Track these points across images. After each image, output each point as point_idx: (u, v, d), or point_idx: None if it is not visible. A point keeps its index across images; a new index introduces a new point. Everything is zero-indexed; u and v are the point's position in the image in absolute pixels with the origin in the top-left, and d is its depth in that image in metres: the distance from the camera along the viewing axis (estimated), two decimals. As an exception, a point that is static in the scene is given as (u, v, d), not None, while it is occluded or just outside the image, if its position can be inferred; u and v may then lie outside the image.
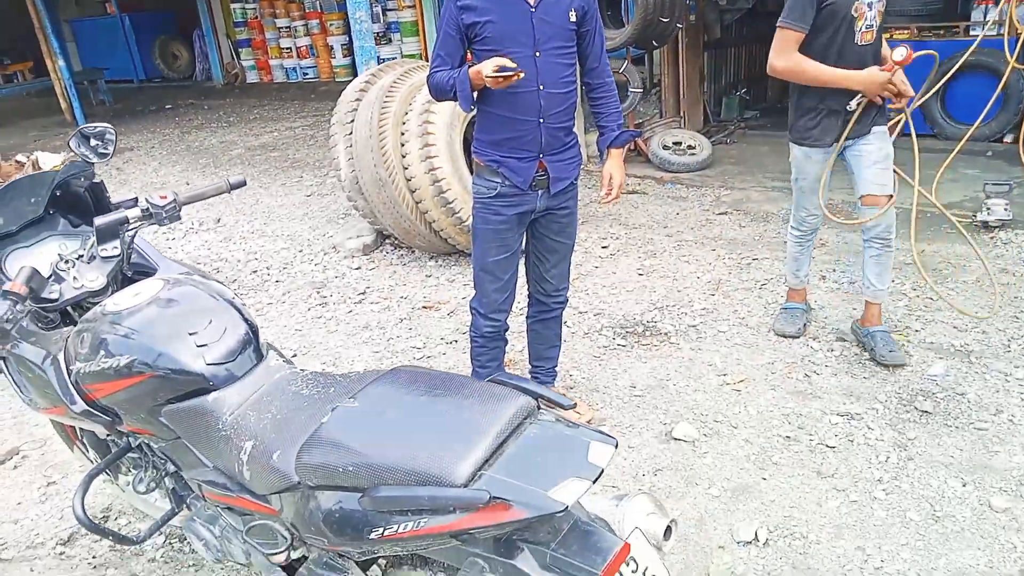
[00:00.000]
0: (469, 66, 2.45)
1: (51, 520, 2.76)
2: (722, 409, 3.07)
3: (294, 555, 1.54)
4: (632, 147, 6.56)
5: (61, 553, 2.59)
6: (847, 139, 3.08)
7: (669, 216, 5.33)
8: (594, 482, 1.17)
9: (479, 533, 1.22)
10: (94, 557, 2.56)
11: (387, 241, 5.15)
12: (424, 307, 4.22)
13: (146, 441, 1.98)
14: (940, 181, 3.84)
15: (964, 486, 2.52)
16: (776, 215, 5.15)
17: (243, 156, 7.84)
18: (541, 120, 2.53)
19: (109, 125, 2.19)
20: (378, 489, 1.24)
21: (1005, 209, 4.47)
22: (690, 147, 6.46)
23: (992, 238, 4.39)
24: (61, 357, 1.84)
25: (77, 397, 1.79)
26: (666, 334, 3.70)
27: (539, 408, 1.36)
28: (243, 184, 2.21)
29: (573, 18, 2.53)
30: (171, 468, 2.06)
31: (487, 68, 2.33)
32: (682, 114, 7.17)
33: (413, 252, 4.95)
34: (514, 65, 2.33)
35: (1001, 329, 3.41)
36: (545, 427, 1.31)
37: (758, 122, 7.67)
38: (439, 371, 1.53)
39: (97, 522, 2.07)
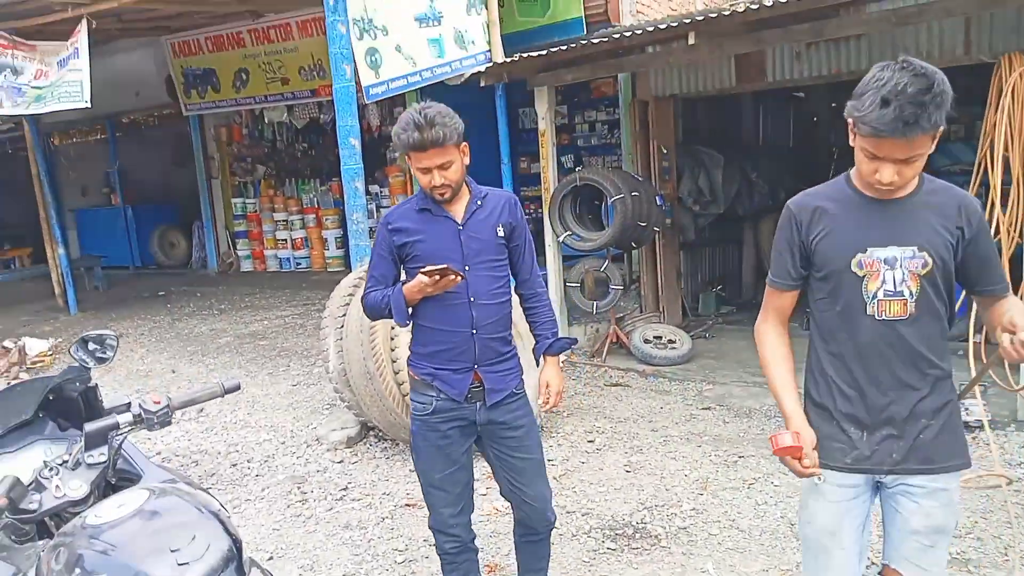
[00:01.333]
0: (403, 283, 2.56)
1: None
2: (717, 622, 2.94)
3: None
4: (615, 340, 6.72)
5: None
6: (888, 470, 1.94)
7: (653, 410, 5.37)
8: None
9: None
10: None
11: (371, 433, 5.12)
12: (407, 504, 4.12)
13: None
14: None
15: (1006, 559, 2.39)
16: (759, 411, 5.20)
17: (232, 344, 7.92)
18: (474, 331, 2.59)
19: (111, 331, 2.26)
20: None
21: (984, 408, 4.55)
22: (671, 341, 6.63)
23: (974, 438, 4.43)
24: (32, 574, 1.77)
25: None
26: (656, 537, 3.61)
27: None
28: (238, 388, 2.24)
29: (501, 233, 2.64)
30: None
31: (421, 275, 2.41)
32: (661, 309, 7.42)
33: (397, 445, 4.90)
34: (445, 266, 2.39)
35: (996, 536, 3.37)
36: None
37: (735, 317, 7.93)
38: None
39: None
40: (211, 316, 9.39)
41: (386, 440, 4.99)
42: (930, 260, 1.88)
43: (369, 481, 4.47)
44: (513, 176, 8.04)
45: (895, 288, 1.89)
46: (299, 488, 4.43)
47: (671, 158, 7.48)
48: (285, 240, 13.03)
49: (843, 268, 1.92)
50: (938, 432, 1.91)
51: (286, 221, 12.98)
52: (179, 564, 1.63)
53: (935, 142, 1.81)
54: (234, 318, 9.15)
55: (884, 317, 1.90)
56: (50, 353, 7.69)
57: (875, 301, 1.91)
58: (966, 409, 4.58)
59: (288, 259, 13.04)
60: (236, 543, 1.76)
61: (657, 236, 7.09)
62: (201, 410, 5.86)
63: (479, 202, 2.64)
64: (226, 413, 5.81)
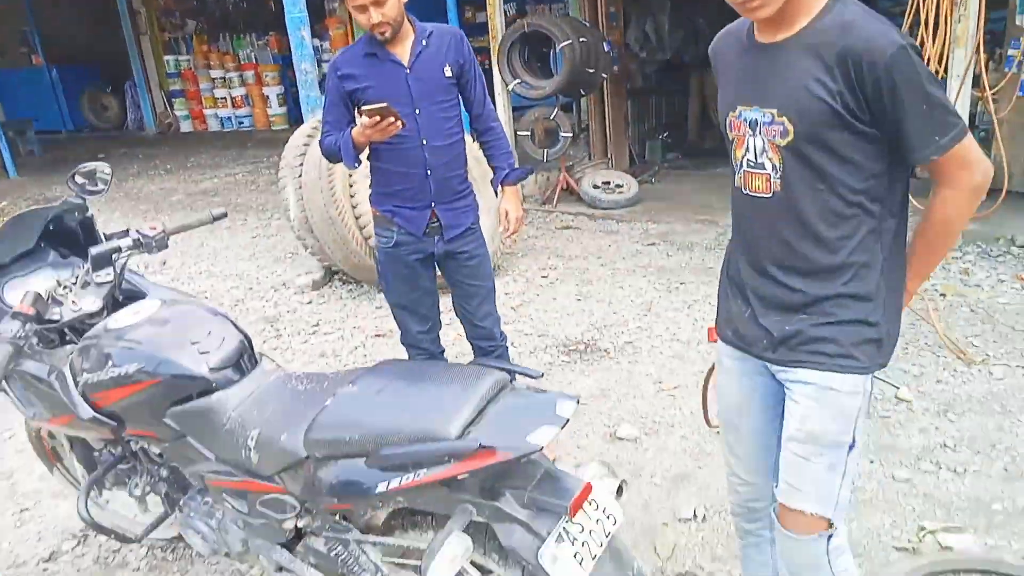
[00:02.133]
0: (352, 127, 2.66)
1: (30, 542, 2.86)
2: (659, 412, 3.39)
3: (300, 523, 1.75)
4: (565, 186, 6.97)
5: (45, 569, 2.69)
6: (764, 356, 1.66)
7: (602, 248, 5.72)
8: (562, 428, 1.44)
9: (468, 479, 1.48)
10: (78, 571, 2.68)
11: (336, 277, 5.37)
12: (376, 335, 4.45)
13: (144, 446, 2.16)
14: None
15: (871, 463, 2.89)
16: (700, 244, 5.59)
17: (184, 202, 7.94)
18: (428, 172, 2.74)
19: (104, 163, 2.39)
20: (382, 450, 1.49)
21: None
22: (618, 186, 6.92)
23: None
24: (67, 370, 2.02)
25: (85, 405, 1.98)
26: (605, 350, 4.02)
27: (512, 381, 1.64)
28: (224, 216, 2.44)
29: (448, 73, 2.73)
30: (163, 473, 2.24)
31: (364, 119, 2.49)
32: (609, 156, 7.66)
33: (362, 286, 5.17)
34: (384, 104, 2.42)
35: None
36: (518, 393, 1.59)
37: (680, 163, 8.22)
38: (420, 361, 1.79)
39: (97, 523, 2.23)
40: (158, 176, 9.30)
41: (351, 282, 5.25)
42: (790, 127, 1.47)
43: (339, 318, 4.77)
44: (460, 26, 7.94)
45: (755, 159, 1.55)
46: (272, 326, 4.71)
47: (618, 4, 7.47)
48: (225, 99, 12.67)
49: (723, 128, 1.64)
50: (823, 324, 1.55)
51: (224, 79, 12.57)
52: (200, 353, 1.89)
53: None
54: (182, 177, 9.08)
55: (748, 192, 1.59)
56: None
57: (741, 172, 1.59)
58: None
59: (229, 118, 12.73)
60: (246, 337, 2.03)
61: (605, 83, 7.21)
62: (164, 263, 6.00)
63: (424, 42, 2.70)
64: (189, 264, 5.97)
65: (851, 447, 1.62)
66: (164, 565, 2.68)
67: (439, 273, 3.01)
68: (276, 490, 1.74)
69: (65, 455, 2.71)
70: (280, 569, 1.98)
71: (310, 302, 5.06)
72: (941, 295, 4.29)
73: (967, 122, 1.72)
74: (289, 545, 1.96)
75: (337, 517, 1.74)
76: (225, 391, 1.85)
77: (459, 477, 1.49)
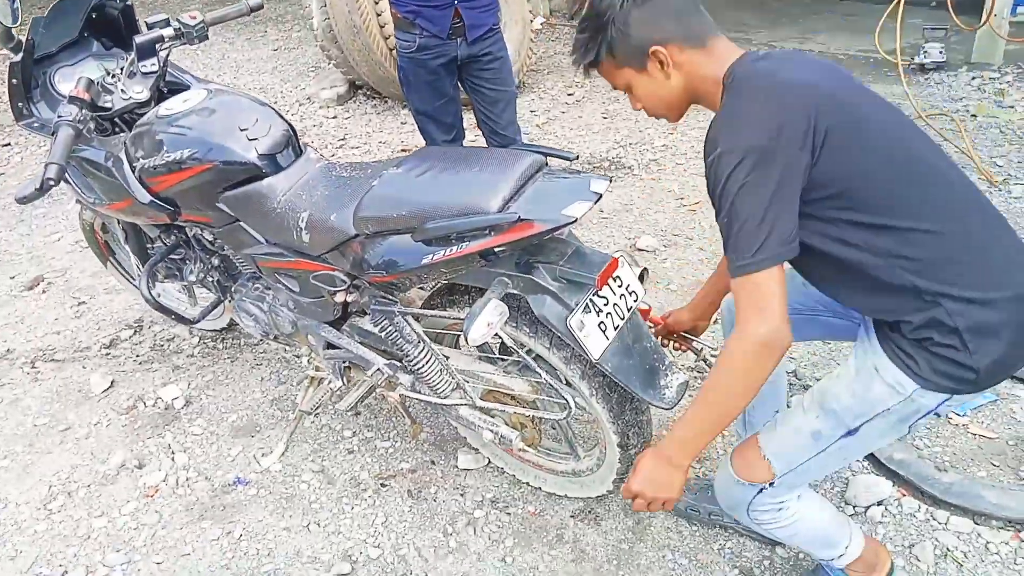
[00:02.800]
0: None
1: (89, 331, 3.10)
2: (679, 226, 3.50)
3: (349, 298, 1.92)
4: None
5: (107, 354, 2.95)
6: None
7: (629, 66, 5.59)
8: (595, 203, 1.55)
9: (505, 254, 1.61)
10: (138, 355, 2.93)
11: (360, 91, 5.34)
12: (403, 150, 4.50)
13: (198, 232, 2.31)
14: (883, 29, 4.18)
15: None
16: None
17: (202, 9, 7.72)
18: None
19: None
20: (427, 224, 1.61)
21: (940, 52, 4.86)
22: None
23: (927, 79, 4.80)
24: (122, 156, 2.12)
25: (143, 190, 2.10)
26: (629, 167, 4.08)
27: (547, 163, 1.73)
28: (261, 7, 2.44)
29: None
30: (215, 262, 2.40)
31: None
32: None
33: (387, 101, 5.16)
34: None
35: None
36: (554, 173, 1.68)
37: None
38: (460, 146, 1.86)
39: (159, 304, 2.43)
40: (171, -13, 8.98)
41: (376, 97, 5.23)
42: None
43: (365, 132, 4.81)
44: None
45: None
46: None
47: None
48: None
49: None
50: (923, 326, 1.42)
51: None
52: (249, 140, 1.98)
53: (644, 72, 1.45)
54: (196, -11, 8.77)
55: None
56: None
57: None
58: (924, 52, 4.89)
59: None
60: (291, 127, 2.10)
61: None
62: (187, 77, 5.95)
63: None
64: (211, 77, 5.93)
65: (850, 433, 1.50)
66: (215, 352, 2.92)
67: (461, 89, 3.04)
68: (327, 268, 1.88)
69: (119, 248, 2.88)
70: (328, 347, 2.18)
71: (335, 117, 5.08)
72: (972, 116, 4.24)
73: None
74: (335, 324, 2.15)
75: (382, 294, 1.90)
76: (274, 177, 1.95)
77: (497, 250, 1.61)
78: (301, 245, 1.90)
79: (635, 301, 1.78)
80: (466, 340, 1.57)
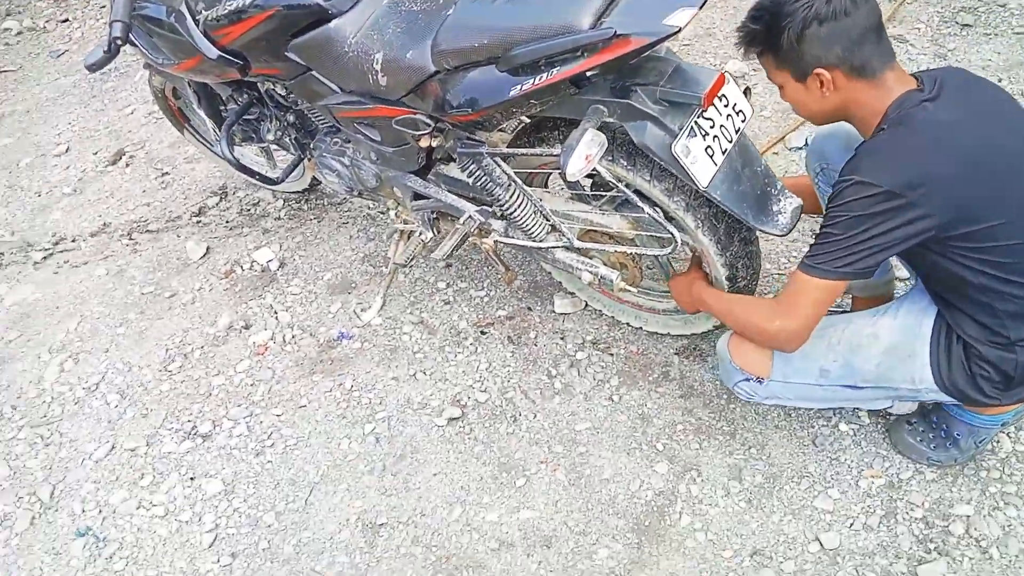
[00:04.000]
0: None
1: (177, 201, 3.14)
2: (771, 43, 3.22)
3: (434, 142, 1.84)
4: None
5: (198, 222, 2.99)
6: None
7: None
8: (700, 8, 1.39)
9: (600, 75, 1.48)
10: (227, 221, 2.96)
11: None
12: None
13: (271, 87, 2.23)
14: None
15: (1000, 81, 2.73)
16: None
17: None
18: None
19: None
20: (512, 51, 1.49)
21: None
22: None
23: None
24: (184, 9, 2.02)
25: (209, 45, 2.01)
26: (711, -15, 3.74)
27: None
28: None
29: None
30: (291, 119, 2.33)
31: None
32: None
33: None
34: None
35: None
36: (651, -18, 1.52)
37: None
38: None
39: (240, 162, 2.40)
40: None
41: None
42: None
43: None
44: None
45: None
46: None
47: None
48: None
49: None
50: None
51: None
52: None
53: (809, 88, 1.50)
54: None
55: None
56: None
57: None
58: None
59: None
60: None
61: None
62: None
63: None
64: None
65: (852, 388, 1.66)
66: (301, 213, 2.92)
67: None
68: (407, 112, 1.79)
69: (192, 115, 2.84)
70: (416, 197, 2.13)
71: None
72: None
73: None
74: (420, 173, 2.08)
75: (467, 135, 1.80)
76: (341, 18, 1.83)
77: (589, 75, 1.49)
78: (378, 89, 1.81)
79: (743, 121, 1.64)
80: (563, 176, 1.49)
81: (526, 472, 1.96)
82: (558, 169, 1.93)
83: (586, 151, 1.49)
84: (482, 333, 2.33)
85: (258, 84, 2.25)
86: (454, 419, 2.10)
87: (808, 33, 1.40)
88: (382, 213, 2.84)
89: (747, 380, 1.71)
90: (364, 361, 2.30)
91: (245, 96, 2.35)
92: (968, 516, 1.70)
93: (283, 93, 2.23)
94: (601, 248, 1.87)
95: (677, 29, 1.35)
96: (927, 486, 1.78)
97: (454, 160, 1.93)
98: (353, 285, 2.57)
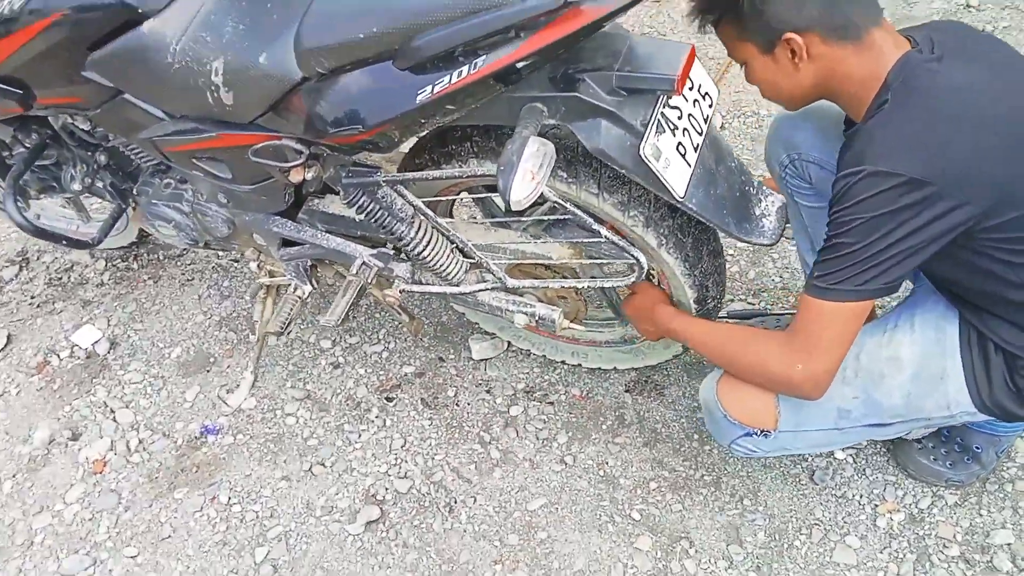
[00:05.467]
0: None
1: (-39, 277, 2.45)
2: (649, 25, 2.96)
3: (308, 175, 1.37)
4: None
5: (-9, 301, 2.33)
6: None
7: None
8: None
9: (539, 63, 1.09)
10: (32, 297, 2.31)
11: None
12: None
13: (68, 122, 1.68)
14: None
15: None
16: None
17: None
18: None
19: None
20: (416, 40, 1.07)
21: None
22: None
23: None
24: None
25: (-35, 72, 1.45)
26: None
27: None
28: None
29: None
30: (102, 160, 1.79)
31: None
32: None
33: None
34: None
35: None
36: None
37: None
38: None
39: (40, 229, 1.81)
40: None
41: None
42: None
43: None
44: None
45: None
46: None
47: None
48: None
49: None
50: None
51: None
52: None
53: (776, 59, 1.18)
54: None
55: None
56: None
57: None
58: None
59: None
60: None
61: None
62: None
63: None
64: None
65: (878, 426, 1.35)
66: (129, 275, 2.33)
67: None
68: (268, 138, 1.32)
69: (-35, 167, 2.20)
70: (285, 244, 1.65)
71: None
72: None
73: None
74: (287, 214, 1.61)
75: (355, 161, 1.35)
76: (156, 18, 1.32)
77: (520, 66, 1.09)
78: (221, 111, 1.32)
79: (711, 107, 1.30)
80: (507, 203, 1.08)
81: (479, 578, 1.54)
82: (483, 194, 1.54)
83: (530, 166, 1.09)
84: (388, 400, 1.87)
85: (50, 119, 1.69)
86: (372, 522, 1.64)
87: None
88: (236, 261, 2.31)
89: (749, 435, 1.37)
90: (241, 460, 1.79)
91: (34, 136, 1.77)
92: (1010, 544, 1.45)
93: (86, 127, 1.68)
94: (542, 285, 1.48)
95: (651, -13, 0.97)
96: (953, 513, 1.52)
97: (333, 192, 1.47)
98: (211, 360, 2.03)
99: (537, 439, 1.75)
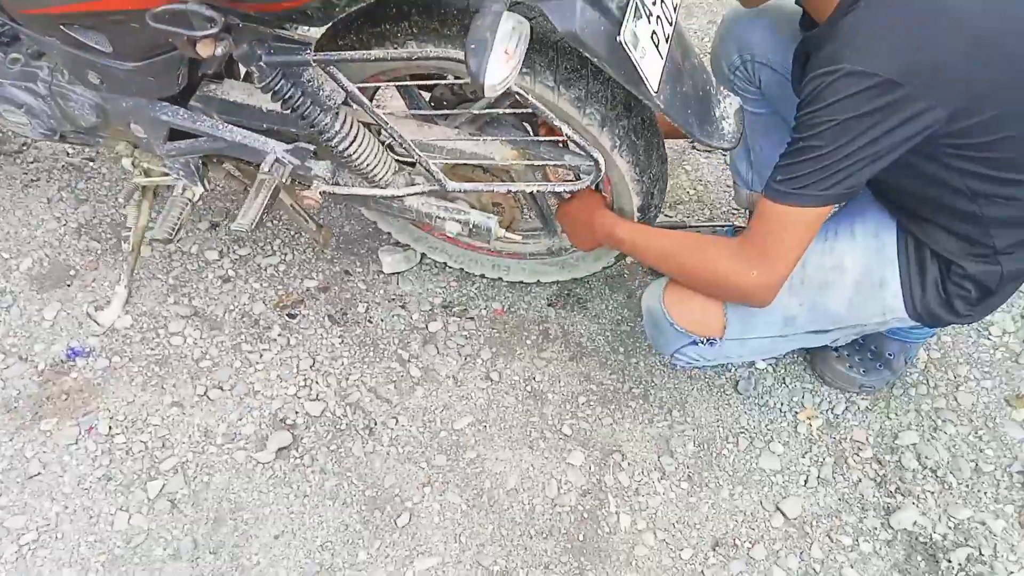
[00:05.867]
0: None
1: None
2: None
3: (219, 49, 1.14)
4: None
5: None
6: None
7: None
8: None
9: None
10: None
11: None
12: None
13: None
14: None
15: None
16: None
17: None
18: None
19: None
20: None
21: None
22: None
23: None
24: None
25: None
26: None
27: None
28: None
29: None
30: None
31: None
32: None
33: None
34: None
35: None
36: None
37: None
38: None
39: None
40: None
41: None
42: None
43: None
44: None
45: None
46: None
47: None
48: None
49: None
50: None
51: None
52: None
53: None
54: None
55: None
56: None
57: None
58: None
59: None
60: None
61: None
62: None
63: None
64: None
65: (819, 332, 1.35)
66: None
67: None
68: (163, 1, 1.08)
69: None
70: (172, 138, 1.41)
71: None
72: None
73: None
74: (179, 100, 1.37)
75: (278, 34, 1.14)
76: None
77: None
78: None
79: (679, -3, 1.20)
80: (480, 88, 0.94)
81: (406, 503, 1.44)
82: (409, 84, 1.37)
83: (505, 45, 0.95)
84: (290, 316, 1.70)
85: None
86: (284, 448, 1.49)
87: None
88: (91, 160, 2.00)
89: (694, 344, 1.34)
90: (120, 386, 1.57)
91: None
92: (915, 444, 1.54)
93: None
94: (487, 189, 1.35)
95: None
96: (865, 417, 1.58)
97: (256, 73, 1.23)
98: (72, 273, 1.76)
99: (460, 355, 1.65)
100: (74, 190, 1.93)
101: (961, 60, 1.06)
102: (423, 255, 1.79)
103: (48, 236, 1.82)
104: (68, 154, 2.01)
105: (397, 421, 1.55)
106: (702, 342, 1.34)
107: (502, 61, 0.95)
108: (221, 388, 1.58)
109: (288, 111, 1.24)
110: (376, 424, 1.54)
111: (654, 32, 1.11)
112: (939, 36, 1.06)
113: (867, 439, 1.55)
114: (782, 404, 1.60)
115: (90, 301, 1.70)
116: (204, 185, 1.51)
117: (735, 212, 1.92)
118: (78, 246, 1.81)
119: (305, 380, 1.60)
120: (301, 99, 1.21)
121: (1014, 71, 1.10)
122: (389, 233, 1.75)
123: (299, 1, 1.01)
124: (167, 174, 1.53)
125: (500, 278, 1.75)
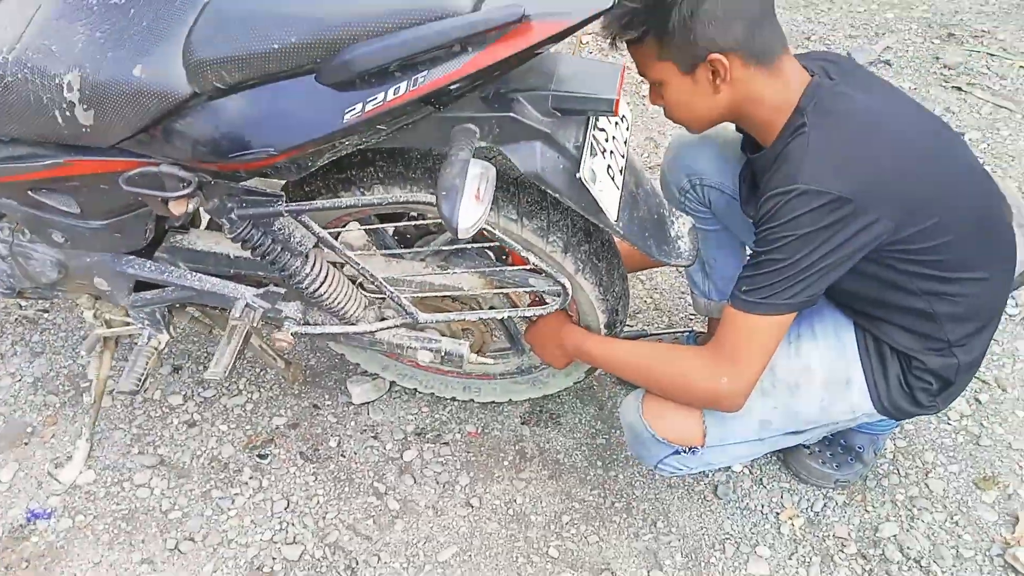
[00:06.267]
0: None
1: None
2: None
3: (191, 206, 1.17)
4: None
5: None
6: None
7: None
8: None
9: (466, 86, 1.00)
10: None
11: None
12: None
13: None
14: None
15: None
16: None
17: None
18: None
19: None
20: (348, 52, 0.94)
21: None
22: None
23: None
24: None
25: None
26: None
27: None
28: None
29: None
30: None
31: None
32: None
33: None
34: None
35: None
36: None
37: None
38: None
39: None
40: None
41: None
42: None
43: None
44: None
45: None
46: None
47: None
48: None
49: None
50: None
51: None
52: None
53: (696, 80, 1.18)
54: None
55: None
56: None
57: None
58: None
59: None
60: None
61: None
62: None
63: None
64: None
65: (795, 433, 1.40)
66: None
67: None
68: (139, 164, 1.11)
69: None
70: (137, 288, 1.42)
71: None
72: None
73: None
74: (144, 252, 1.38)
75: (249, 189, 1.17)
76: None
77: (453, 87, 1.00)
78: (75, 133, 1.10)
79: (627, 130, 1.28)
80: (454, 232, 0.98)
81: (395, 646, 1.39)
82: (375, 225, 1.41)
83: (473, 189, 1.00)
84: (261, 457, 1.67)
85: None
86: (263, 600, 1.44)
87: (704, 9, 1.10)
88: (44, 312, 1.97)
89: (676, 453, 1.36)
90: (85, 546, 1.50)
91: None
92: (896, 535, 1.55)
93: None
94: (459, 318, 1.38)
95: (610, 5, 0.93)
96: (844, 512, 1.60)
97: (228, 224, 1.25)
98: (29, 431, 1.71)
99: (437, 483, 1.63)
100: (28, 343, 1.89)
101: (899, 175, 1.15)
102: (392, 383, 1.79)
103: (2, 394, 1.77)
104: (21, 307, 1.98)
105: (379, 559, 1.51)
106: (684, 451, 1.36)
107: (472, 205, 0.99)
108: (192, 540, 1.52)
109: (258, 258, 1.26)
110: (358, 564, 1.49)
111: (609, 166, 1.18)
112: (879, 155, 1.15)
113: (849, 534, 1.56)
114: (763, 506, 1.61)
115: (50, 459, 1.65)
116: (170, 332, 1.51)
117: (692, 317, 1.98)
118: (35, 401, 1.77)
119: (280, 523, 1.55)
120: (272, 246, 1.24)
121: (946, 183, 1.20)
122: (357, 364, 1.75)
123: (276, 159, 1.04)
124: (130, 323, 1.52)
125: (472, 399, 1.75)
